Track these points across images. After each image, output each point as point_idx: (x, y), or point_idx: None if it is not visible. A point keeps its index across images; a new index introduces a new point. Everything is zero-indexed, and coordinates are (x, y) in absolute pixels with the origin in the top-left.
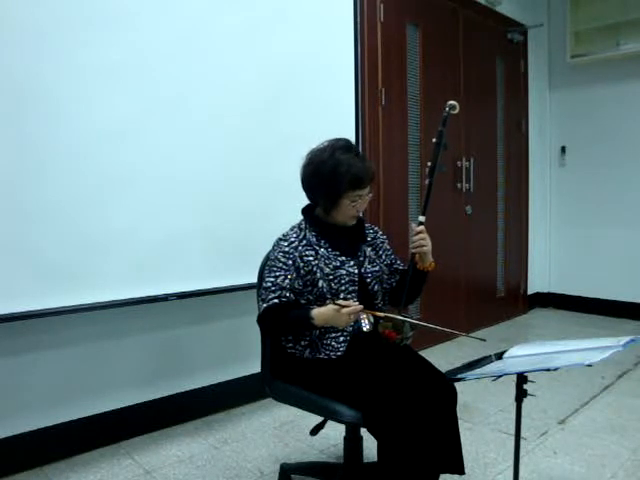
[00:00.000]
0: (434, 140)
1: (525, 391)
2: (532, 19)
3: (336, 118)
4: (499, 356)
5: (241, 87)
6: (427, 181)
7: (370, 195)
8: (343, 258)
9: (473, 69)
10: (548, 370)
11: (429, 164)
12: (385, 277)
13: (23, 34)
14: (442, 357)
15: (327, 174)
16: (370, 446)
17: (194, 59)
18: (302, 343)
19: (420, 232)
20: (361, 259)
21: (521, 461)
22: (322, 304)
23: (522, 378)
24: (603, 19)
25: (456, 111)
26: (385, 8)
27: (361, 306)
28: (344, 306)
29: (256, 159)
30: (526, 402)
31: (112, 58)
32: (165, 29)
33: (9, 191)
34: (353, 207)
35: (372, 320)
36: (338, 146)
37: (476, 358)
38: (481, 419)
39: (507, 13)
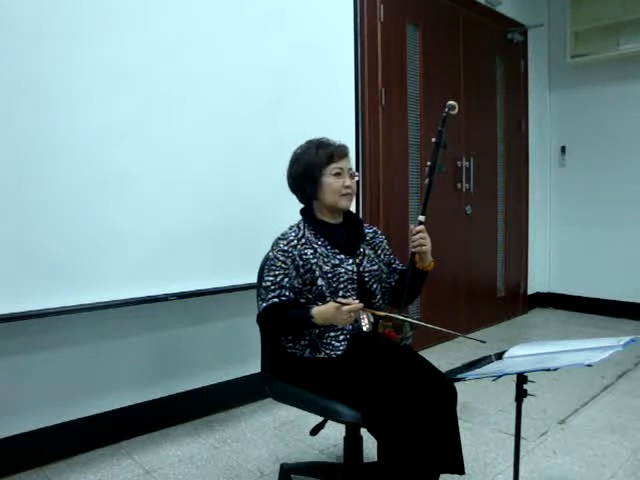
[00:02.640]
0: (434, 140)
1: (525, 391)
2: (532, 19)
3: (336, 118)
4: (499, 356)
5: (241, 86)
6: (427, 181)
7: (356, 175)
8: (342, 256)
9: (473, 69)
10: (548, 370)
11: (429, 164)
12: (384, 276)
13: (23, 34)
14: (442, 357)
15: (303, 161)
16: (370, 446)
17: (194, 58)
18: (302, 342)
19: (420, 231)
20: (360, 257)
21: (521, 461)
22: (322, 303)
23: (522, 378)
24: (603, 19)
25: (455, 111)
26: (385, 8)
27: (361, 304)
28: (344, 304)
29: (256, 159)
30: (526, 402)
31: (112, 58)
32: (165, 29)
33: (9, 191)
34: (336, 181)
35: (372, 320)
36: (309, 140)
37: (476, 358)
38: (481, 419)
39: (507, 13)
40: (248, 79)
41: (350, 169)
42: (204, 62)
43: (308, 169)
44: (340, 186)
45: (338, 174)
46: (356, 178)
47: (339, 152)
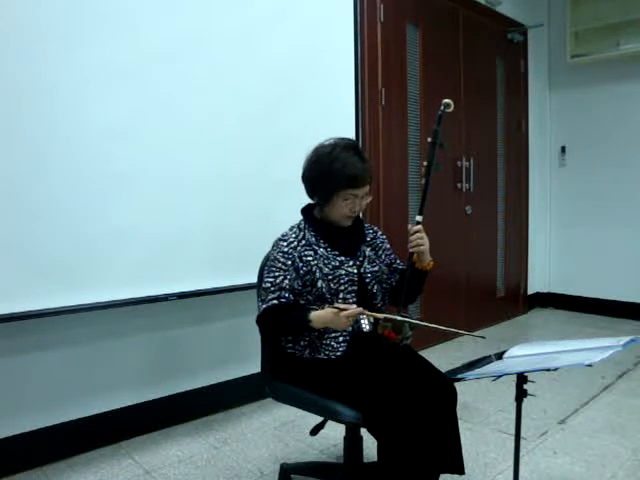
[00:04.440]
0: (429, 139)
1: (525, 391)
2: (532, 19)
3: (336, 118)
4: (499, 356)
5: (241, 87)
6: (423, 180)
7: (369, 198)
8: (342, 258)
9: (473, 69)
10: (548, 370)
11: (425, 163)
12: (385, 277)
13: (23, 34)
14: (442, 357)
15: (324, 168)
16: (370, 446)
17: (195, 59)
18: (302, 343)
19: (417, 231)
20: (360, 259)
21: (521, 461)
22: (322, 304)
23: (522, 378)
24: (603, 19)
25: (451, 109)
26: (385, 8)
27: (360, 309)
28: (342, 309)
29: (256, 159)
30: (526, 402)
31: (113, 58)
32: (165, 29)
33: (9, 190)
34: (346, 206)
35: (372, 320)
36: (341, 144)
37: (476, 358)
38: (481, 419)
39: (507, 13)
40: (248, 79)
41: (366, 193)
42: (204, 62)
43: (325, 181)
44: (348, 210)
45: (351, 200)
46: (369, 199)
47: (363, 178)
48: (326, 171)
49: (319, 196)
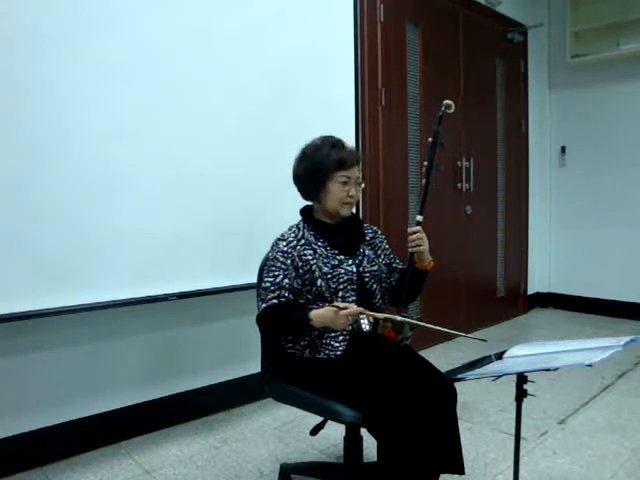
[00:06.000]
0: (430, 139)
1: (525, 391)
2: (532, 19)
3: (336, 118)
4: (499, 356)
5: (241, 87)
6: (424, 181)
7: (362, 183)
8: (341, 257)
9: (473, 69)
10: (548, 370)
11: (425, 164)
12: (384, 276)
13: (24, 34)
14: (442, 357)
15: (312, 157)
16: (370, 446)
17: (195, 59)
18: (302, 343)
19: (417, 231)
20: (360, 258)
21: (521, 461)
22: (321, 303)
23: (522, 378)
24: (603, 19)
25: (452, 110)
26: (385, 8)
27: (360, 308)
28: (342, 308)
29: (256, 159)
30: (526, 402)
31: (113, 58)
32: (166, 29)
33: (9, 190)
34: (341, 191)
35: (372, 320)
36: (324, 138)
37: (476, 358)
38: (481, 419)
39: (507, 13)
40: (248, 79)
41: (358, 178)
42: (204, 62)
43: (315, 170)
44: (344, 195)
45: (345, 183)
46: (362, 186)
47: (351, 159)
48: (315, 159)
49: (313, 187)
